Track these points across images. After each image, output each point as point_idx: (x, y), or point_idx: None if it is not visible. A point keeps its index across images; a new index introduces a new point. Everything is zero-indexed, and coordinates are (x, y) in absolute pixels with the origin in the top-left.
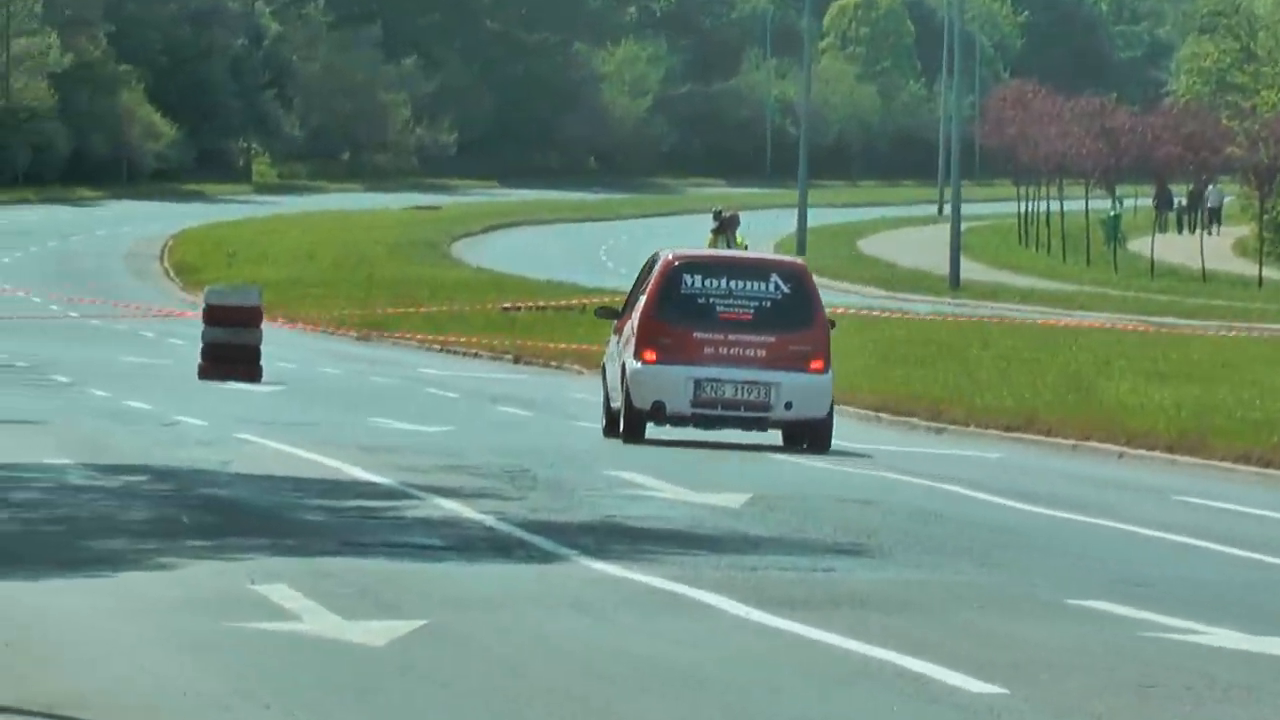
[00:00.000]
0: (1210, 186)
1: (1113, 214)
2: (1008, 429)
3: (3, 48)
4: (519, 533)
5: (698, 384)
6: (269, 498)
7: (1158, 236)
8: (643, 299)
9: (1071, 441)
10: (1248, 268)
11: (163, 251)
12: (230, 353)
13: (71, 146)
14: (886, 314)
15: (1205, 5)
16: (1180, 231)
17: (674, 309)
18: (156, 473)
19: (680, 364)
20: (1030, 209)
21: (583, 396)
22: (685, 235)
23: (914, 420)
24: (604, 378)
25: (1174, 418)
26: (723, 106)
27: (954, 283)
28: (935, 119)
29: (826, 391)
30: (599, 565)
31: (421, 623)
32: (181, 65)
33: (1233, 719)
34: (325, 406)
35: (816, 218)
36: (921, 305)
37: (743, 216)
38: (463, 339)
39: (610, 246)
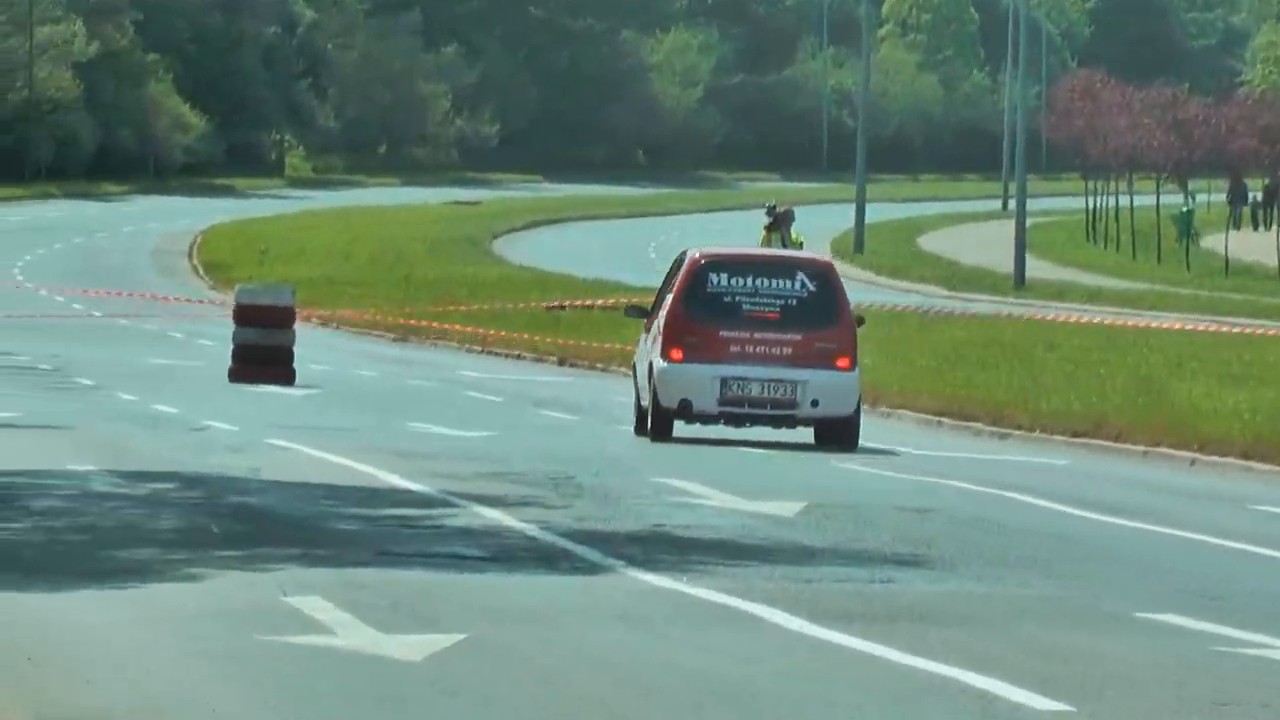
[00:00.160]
0: None
1: (1185, 210)
2: (1074, 434)
3: (26, 36)
4: (563, 543)
5: (724, 382)
6: (302, 506)
7: (1232, 233)
8: (669, 297)
9: (1141, 447)
10: None
11: (191, 249)
12: (262, 354)
13: (97, 139)
14: (948, 314)
15: None
16: (1255, 228)
17: (700, 307)
18: (184, 480)
19: (707, 362)
20: (1099, 204)
21: (629, 400)
22: (737, 231)
23: (977, 425)
24: (635, 376)
25: (1249, 422)
26: (777, 97)
27: (1019, 281)
28: (999, 110)
29: (853, 389)
30: (647, 576)
31: (461, 637)
32: (211, 54)
33: None
34: (361, 410)
35: (875, 213)
36: (985, 305)
37: (797, 212)
38: (504, 339)
39: (659, 244)
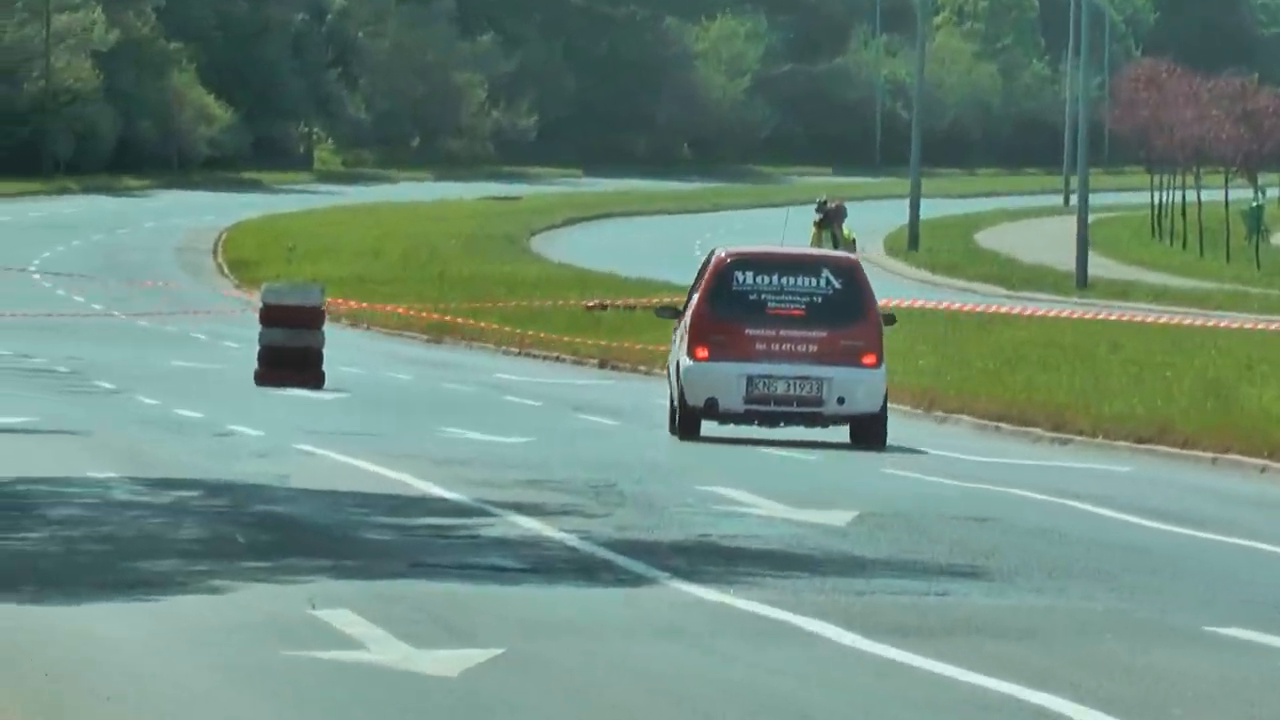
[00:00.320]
0: None
1: (1255, 205)
2: (1139, 440)
3: (43, 23)
4: (604, 553)
5: (750, 380)
6: (331, 515)
7: None
8: (696, 296)
9: (1210, 454)
10: None
11: (216, 246)
12: (290, 356)
13: (117, 132)
14: (1006, 314)
15: None
16: None
17: (726, 305)
18: (209, 487)
19: (732, 360)
20: (1164, 199)
21: None
22: (786, 229)
23: (1036, 430)
24: (669, 376)
25: None
26: (828, 87)
27: (1081, 280)
28: (1060, 101)
29: (879, 386)
30: (691, 588)
31: (498, 651)
32: (237, 43)
33: None
34: (393, 415)
35: (931, 209)
36: (1045, 304)
37: (849, 208)
38: (543, 340)
39: (705, 240)
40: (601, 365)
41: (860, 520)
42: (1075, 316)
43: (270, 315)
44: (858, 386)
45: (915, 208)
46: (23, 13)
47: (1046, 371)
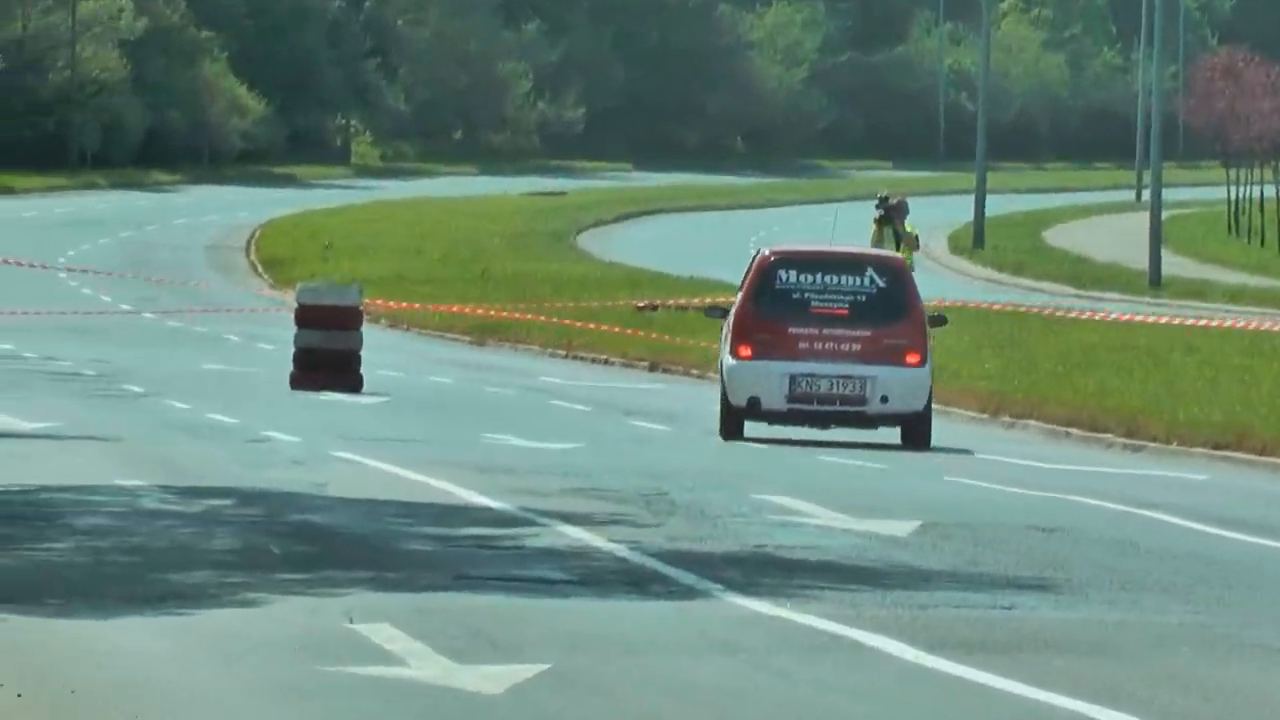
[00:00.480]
0: None
1: None
2: (1215, 447)
3: (68, 11)
4: (655, 565)
5: (793, 379)
6: (370, 525)
7: None
8: (740, 294)
9: None
10: None
11: (249, 243)
12: (326, 359)
13: (146, 124)
14: (1076, 315)
15: None
16: None
17: (769, 304)
18: (242, 496)
19: (775, 359)
20: (1241, 194)
21: None
22: (844, 226)
23: (1108, 436)
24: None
25: None
26: (888, 78)
27: (1154, 279)
28: (1132, 92)
29: (924, 385)
30: (747, 602)
31: (544, 667)
32: (271, 31)
33: None
34: (434, 420)
35: (997, 205)
36: (1117, 305)
37: (911, 204)
38: (591, 342)
39: (761, 238)
40: (652, 368)
41: (923, 530)
42: (1148, 318)
43: (306, 316)
44: (901, 385)
45: (980, 204)
46: (47, 1)
47: (1118, 375)
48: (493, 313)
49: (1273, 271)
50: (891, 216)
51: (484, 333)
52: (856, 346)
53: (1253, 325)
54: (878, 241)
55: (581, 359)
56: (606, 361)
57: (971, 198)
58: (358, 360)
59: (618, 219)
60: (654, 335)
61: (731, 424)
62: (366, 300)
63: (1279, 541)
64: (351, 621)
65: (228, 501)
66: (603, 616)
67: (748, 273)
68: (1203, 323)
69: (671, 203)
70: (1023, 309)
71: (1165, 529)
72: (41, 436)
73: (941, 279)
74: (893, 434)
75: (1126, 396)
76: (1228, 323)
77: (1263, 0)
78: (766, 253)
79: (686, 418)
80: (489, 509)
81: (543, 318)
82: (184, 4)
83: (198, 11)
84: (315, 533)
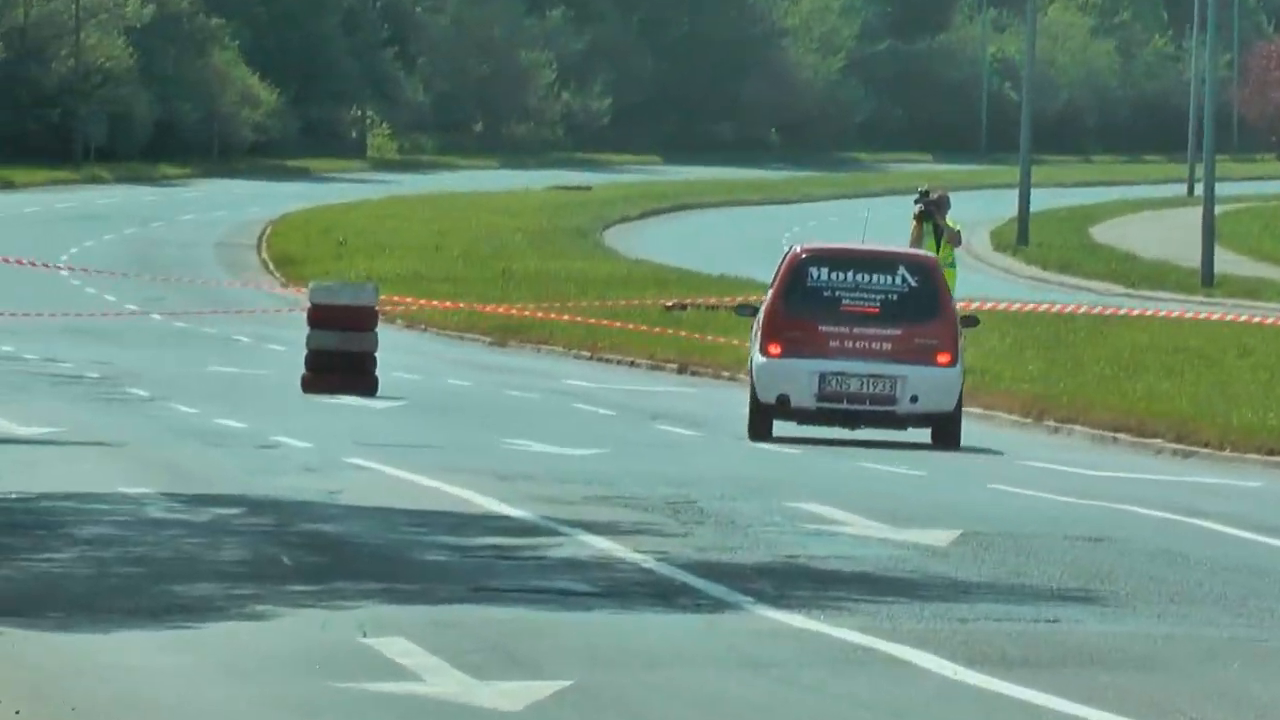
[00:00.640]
0: None
1: None
2: (1270, 453)
3: None
4: (683, 576)
5: (822, 377)
6: (385, 535)
7: None
8: (770, 292)
9: None
10: None
11: (260, 240)
12: (340, 361)
13: (153, 116)
14: (1125, 314)
15: None
16: None
17: (799, 302)
18: (252, 504)
19: (805, 357)
20: None
21: None
22: (883, 222)
23: (1157, 442)
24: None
25: None
26: (929, 67)
27: (1206, 278)
28: (1184, 81)
29: (955, 385)
30: (778, 615)
31: (566, 683)
32: (284, 19)
33: None
34: (452, 425)
35: (1042, 200)
36: (1167, 304)
37: (952, 199)
38: (617, 344)
39: (795, 234)
40: (681, 370)
41: (963, 540)
42: (1201, 318)
43: (319, 316)
44: (932, 385)
45: (1025, 199)
46: None
47: (1169, 378)
48: (514, 312)
49: None
50: (932, 212)
51: (505, 333)
52: (887, 345)
53: None
54: (917, 238)
55: (607, 361)
56: (633, 363)
57: (1015, 192)
58: (373, 362)
59: (645, 215)
60: (682, 336)
61: (760, 423)
62: (382, 299)
63: None
64: (365, 635)
65: (236, 510)
66: (627, 630)
67: (779, 270)
68: (1257, 322)
69: (701, 198)
70: (1068, 309)
71: (1216, 539)
72: (42, 442)
73: (984, 277)
74: (922, 434)
75: (1177, 400)
76: None
77: None
78: (798, 250)
79: (716, 422)
80: (509, 518)
81: (566, 318)
82: None
83: None
84: (327, 543)
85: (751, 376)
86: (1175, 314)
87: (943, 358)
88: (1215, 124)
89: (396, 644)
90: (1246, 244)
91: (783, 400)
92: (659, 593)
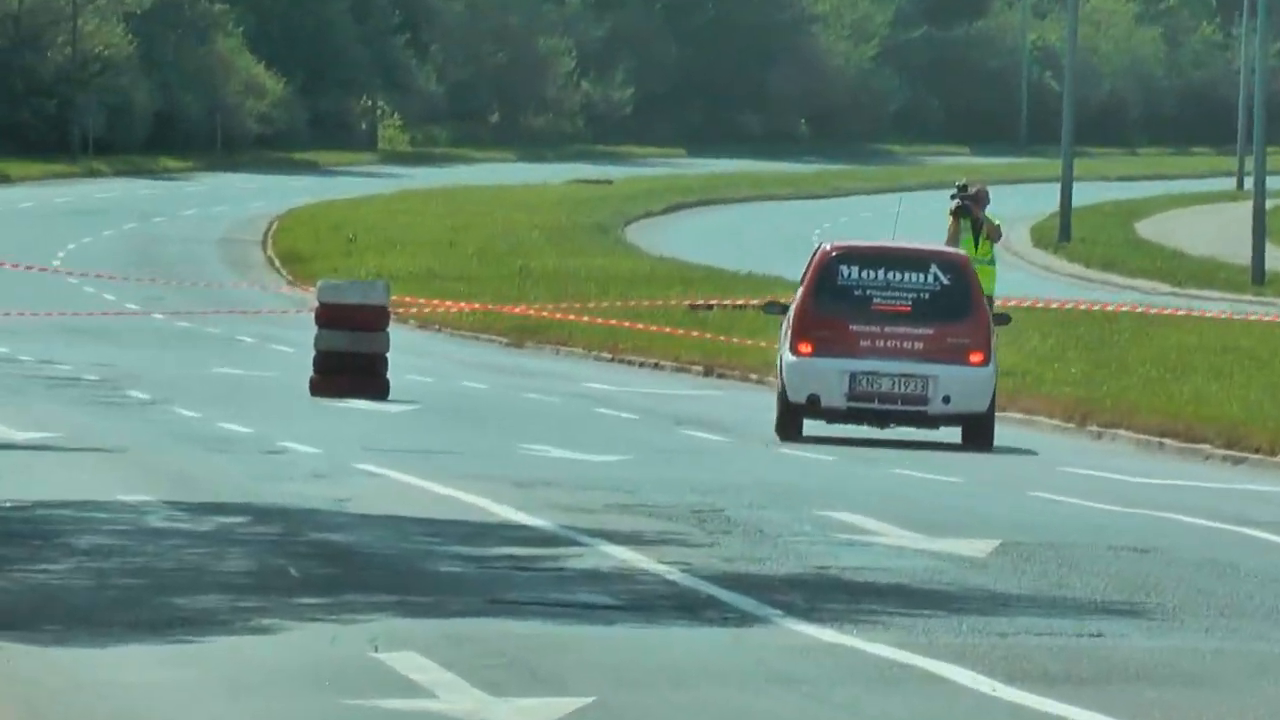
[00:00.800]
0: None
1: None
2: None
3: None
4: (709, 588)
5: (853, 377)
6: (397, 544)
7: None
8: (800, 290)
9: None
10: None
11: (266, 236)
12: (350, 363)
13: (154, 106)
14: (1171, 314)
15: None
16: None
17: (830, 300)
18: (257, 513)
19: (836, 356)
20: None
21: None
22: (918, 217)
23: (1205, 447)
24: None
25: None
26: (966, 55)
27: (1257, 276)
28: (1233, 70)
29: (988, 385)
30: (810, 629)
31: (586, 701)
32: (291, 5)
33: None
34: (467, 430)
35: (1085, 194)
36: (1216, 304)
37: (991, 193)
38: (640, 345)
39: (826, 230)
40: (707, 373)
41: (1003, 550)
42: (1251, 318)
43: (328, 316)
44: (964, 385)
45: (1067, 193)
46: None
47: (1218, 380)
48: (532, 312)
49: None
50: (969, 207)
51: (522, 334)
52: (919, 345)
53: None
54: (954, 235)
55: (629, 363)
56: (656, 365)
57: (1057, 186)
58: (384, 364)
59: (669, 210)
60: (708, 337)
61: (790, 422)
62: (394, 298)
63: None
64: (376, 650)
65: (241, 519)
66: (651, 645)
67: (808, 268)
68: None
69: (728, 192)
70: (1112, 308)
71: (1268, 549)
72: (38, 448)
73: (1024, 275)
74: (954, 433)
75: (1226, 404)
76: None
77: None
78: (827, 247)
79: (744, 426)
80: (527, 527)
81: (586, 318)
82: None
83: None
84: (336, 553)
85: (781, 376)
86: (1224, 314)
87: (975, 357)
88: (1266, 114)
89: (409, 659)
90: None
91: (813, 400)
92: (684, 606)
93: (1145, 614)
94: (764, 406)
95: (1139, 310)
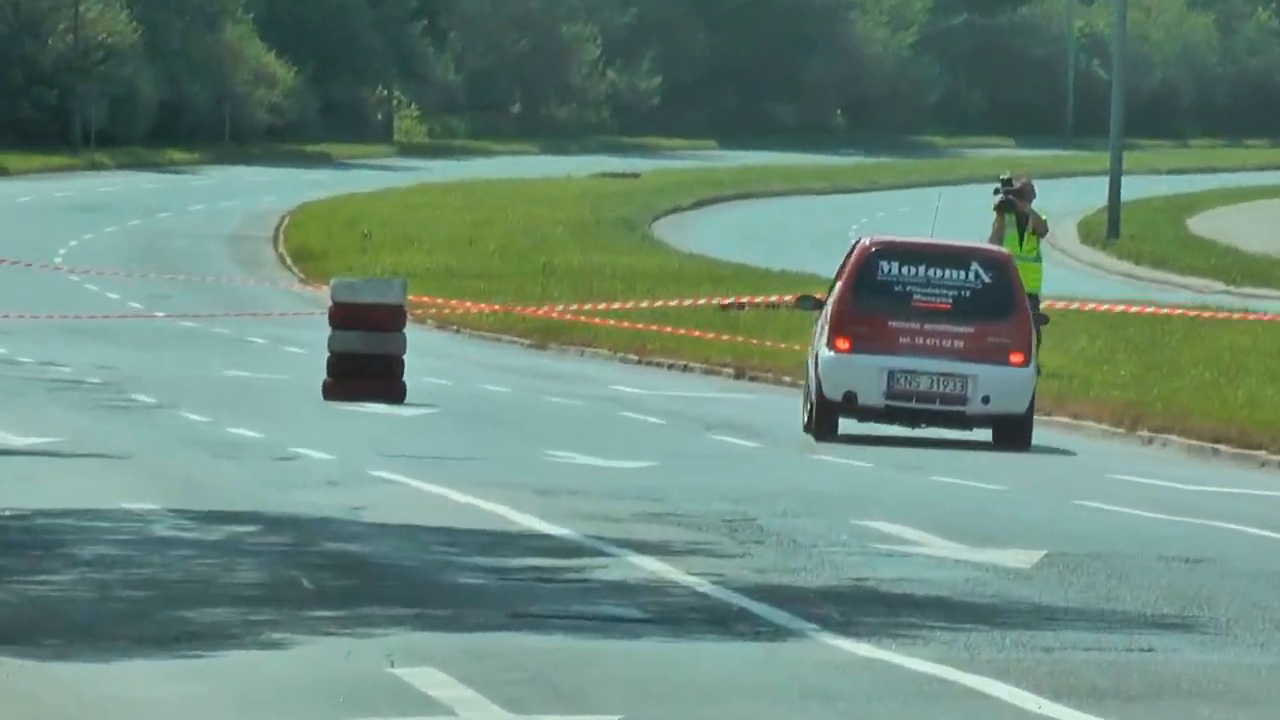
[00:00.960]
0: None
1: None
2: None
3: None
4: (741, 600)
5: (891, 375)
6: (414, 555)
7: None
8: (838, 285)
9: None
10: None
11: (277, 233)
12: (364, 365)
13: (160, 96)
14: (1225, 315)
15: None
16: None
17: (869, 296)
18: (268, 522)
19: (874, 353)
20: None
21: None
22: (960, 213)
23: (1261, 454)
24: (807, 371)
25: None
26: (1011, 43)
27: None
28: None
29: (1028, 386)
30: (846, 643)
31: (613, 719)
32: None
33: None
34: (488, 435)
35: (1134, 188)
36: (1273, 303)
37: (1037, 187)
38: (668, 346)
39: (863, 226)
40: (738, 375)
41: (1048, 561)
42: None
43: (342, 316)
44: (1004, 386)
45: (1115, 187)
46: None
47: (1274, 383)
48: (555, 312)
49: None
50: (1014, 202)
51: (545, 335)
52: (959, 343)
53: None
54: (999, 231)
55: (657, 365)
56: (685, 368)
57: (1105, 180)
58: (400, 366)
59: (698, 204)
60: (740, 338)
61: (825, 420)
62: (411, 297)
63: None
64: (392, 665)
65: (251, 528)
66: (680, 660)
67: (845, 263)
68: None
69: (760, 186)
70: (1163, 309)
71: None
72: (39, 453)
73: (1070, 273)
74: (985, 431)
75: None
76: None
77: None
78: (867, 242)
79: (777, 431)
80: (550, 537)
81: (612, 319)
82: None
83: None
84: (351, 564)
85: (817, 372)
86: None
87: (1016, 357)
88: None
89: (427, 675)
90: None
91: (850, 397)
92: (715, 619)
93: (1198, 628)
94: (797, 411)
95: (1191, 311)
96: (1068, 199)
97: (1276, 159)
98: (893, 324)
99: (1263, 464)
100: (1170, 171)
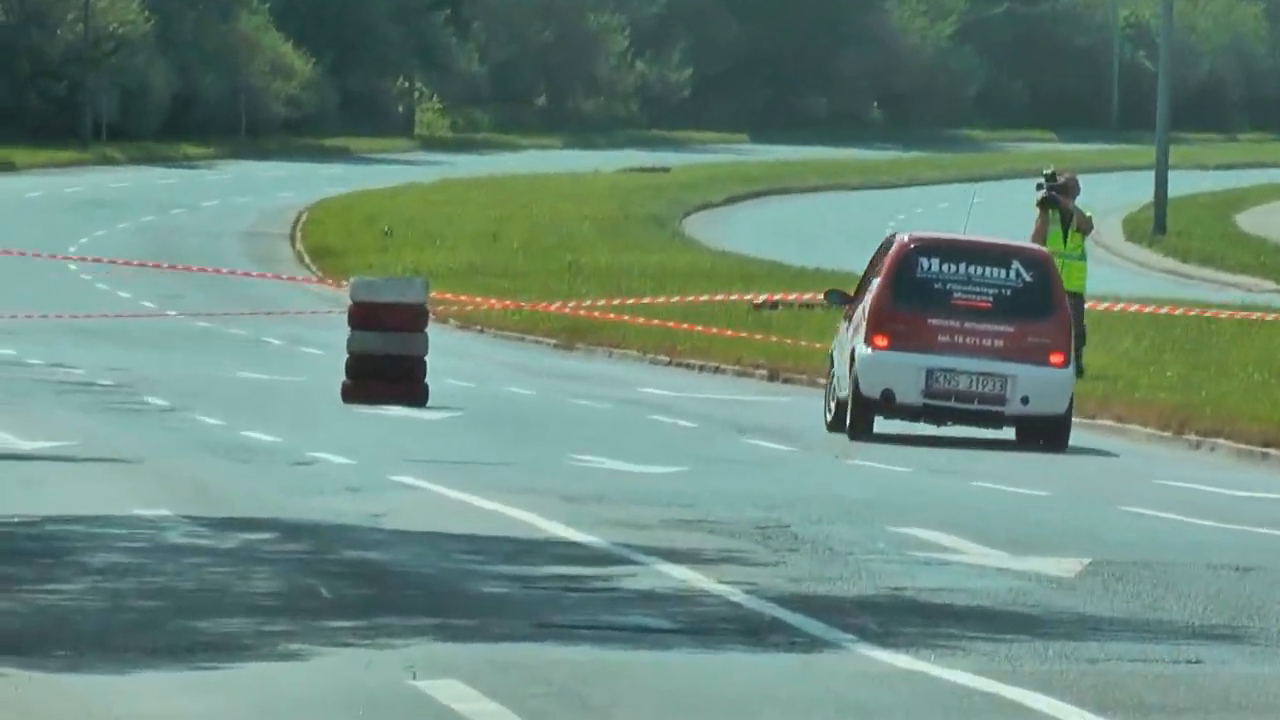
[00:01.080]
0: None
1: None
2: None
3: None
4: (775, 610)
5: (930, 373)
6: (436, 563)
7: None
8: (876, 281)
9: None
10: None
11: (294, 229)
12: (385, 366)
13: (172, 89)
14: (1275, 314)
15: None
16: None
17: (908, 293)
18: (285, 529)
19: (913, 351)
20: None
21: None
22: (1001, 209)
23: None
24: (830, 366)
25: None
26: (1053, 33)
27: None
28: None
29: (1067, 386)
30: (883, 655)
31: None
32: None
33: None
34: (512, 439)
35: (1181, 184)
36: None
37: (1081, 182)
38: (699, 347)
39: (901, 222)
40: (771, 377)
41: (1092, 570)
42: None
43: (361, 315)
44: (1044, 386)
45: (1162, 182)
46: None
47: None
48: (582, 312)
49: None
50: (1057, 198)
51: (572, 335)
52: (999, 342)
53: None
54: (1042, 228)
55: (687, 366)
56: (717, 369)
57: (1151, 175)
58: (422, 368)
59: (730, 200)
60: (773, 339)
61: (861, 418)
62: (433, 296)
63: None
64: (414, 677)
65: (268, 535)
66: (712, 672)
67: (877, 260)
68: None
69: (794, 181)
70: (1211, 308)
71: None
72: (48, 458)
73: (1115, 270)
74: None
75: None
76: None
77: None
78: (905, 239)
79: (811, 435)
80: (576, 544)
81: (641, 318)
82: None
83: None
84: (371, 572)
85: (853, 369)
86: None
87: (1056, 358)
88: None
89: (450, 687)
90: None
91: (887, 395)
92: (748, 629)
93: (1248, 638)
94: None
95: (1240, 310)
96: (1112, 194)
97: None
98: (932, 322)
99: None
100: (1218, 166)
